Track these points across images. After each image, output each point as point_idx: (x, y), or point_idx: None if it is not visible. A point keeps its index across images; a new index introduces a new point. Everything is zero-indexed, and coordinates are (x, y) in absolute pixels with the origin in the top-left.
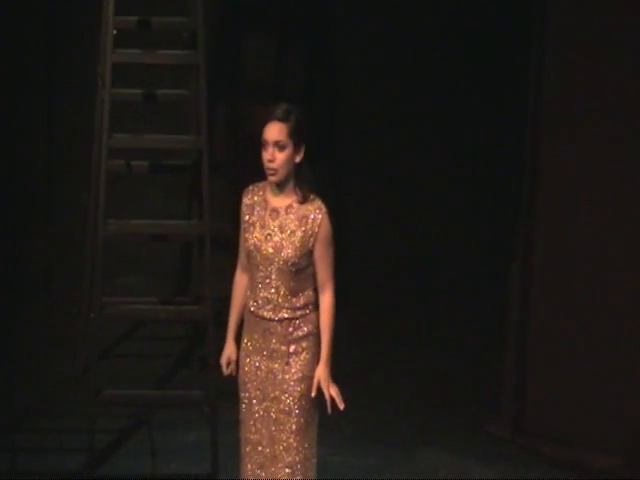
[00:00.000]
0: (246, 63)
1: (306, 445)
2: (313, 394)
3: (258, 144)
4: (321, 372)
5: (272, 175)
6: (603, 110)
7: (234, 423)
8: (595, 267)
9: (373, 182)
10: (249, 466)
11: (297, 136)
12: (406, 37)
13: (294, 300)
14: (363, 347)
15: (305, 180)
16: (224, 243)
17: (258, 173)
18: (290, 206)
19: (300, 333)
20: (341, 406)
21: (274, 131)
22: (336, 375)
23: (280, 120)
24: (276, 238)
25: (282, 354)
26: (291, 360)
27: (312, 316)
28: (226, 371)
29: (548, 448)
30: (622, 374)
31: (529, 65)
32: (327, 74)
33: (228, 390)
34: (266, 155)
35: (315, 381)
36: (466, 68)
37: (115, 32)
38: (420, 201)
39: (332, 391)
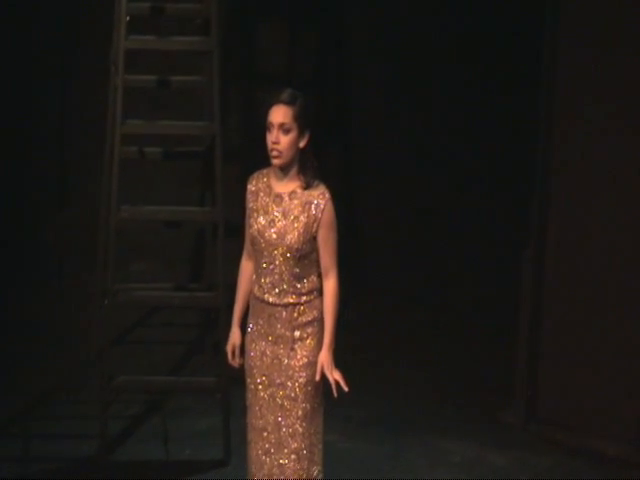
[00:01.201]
0: (259, 49)
1: (312, 431)
2: (317, 379)
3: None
4: (324, 357)
5: (276, 158)
6: (618, 101)
7: (246, 409)
8: (609, 256)
9: (386, 169)
10: (255, 452)
11: (302, 120)
12: (419, 24)
13: (299, 286)
14: (377, 335)
15: (309, 166)
16: (237, 230)
17: (269, 159)
18: (294, 192)
19: (305, 319)
20: (345, 389)
21: (279, 114)
22: (351, 362)
23: (286, 103)
24: (280, 224)
25: (287, 340)
26: (296, 346)
27: (317, 302)
28: (231, 358)
29: (561, 435)
30: (635, 362)
31: (543, 52)
32: (340, 60)
33: (240, 376)
34: (270, 137)
35: (318, 366)
36: (481, 53)
37: (128, 18)
38: (434, 190)
39: (336, 375)
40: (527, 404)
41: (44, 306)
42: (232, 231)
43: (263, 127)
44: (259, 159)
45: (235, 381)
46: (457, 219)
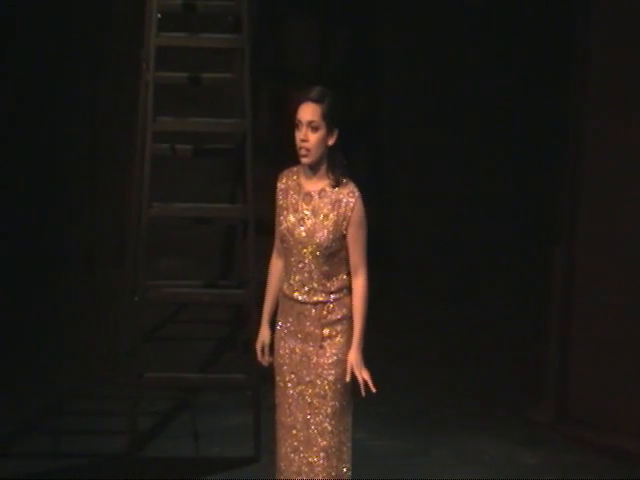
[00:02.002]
0: (289, 47)
1: (341, 429)
2: (347, 379)
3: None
4: (353, 356)
5: (304, 156)
6: None
7: (275, 407)
8: None
9: (415, 166)
10: (283, 450)
11: (330, 118)
12: (451, 22)
13: (328, 284)
14: (405, 332)
15: (338, 164)
16: (267, 227)
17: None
18: (323, 190)
19: (334, 317)
20: (373, 389)
21: (308, 111)
22: (379, 359)
23: (314, 101)
24: (309, 222)
25: (316, 337)
26: (325, 344)
27: (346, 300)
28: (260, 356)
29: (591, 434)
30: None
31: (574, 43)
32: (370, 58)
33: (270, 373)
34: (299, 135)
35: (348, 366)
36: (511, 52)
37: (159, 15)
38: (463, 184)
39: (364, 374)
40: (557, 403)
41: (75, 303)
42: (262, 228)
43: (293, 124)
44: (289, 156)
45: (265, 378)
46: (486, 214)
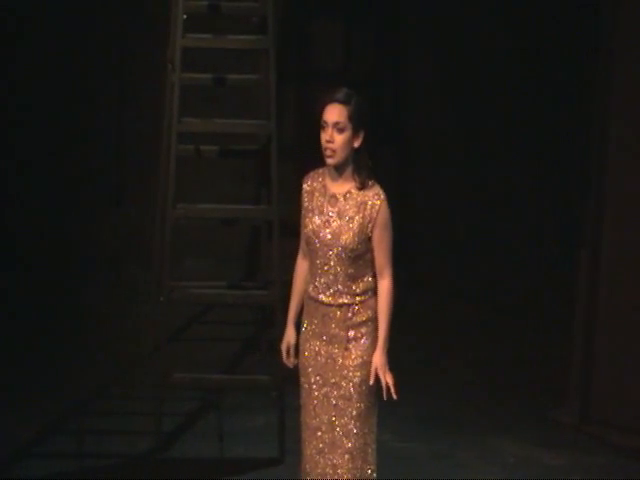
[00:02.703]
0: (315, 47)
1: (366, 431)
2: (371, 382)
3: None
4: (377, 359)
5: (329, 157)
6: None
7: (300, 408)
8: None
9: (439, 167)
10: (308, 451)
11: (357, 120)
12: (477, 24)
13: (353, 286)
14: (431, 334)
15: (363, 166)
16: (292, 227)
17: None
18: (349, 192)
19: (359, 319)
20: (395, 396)
21: (334, 112)
22: (404, 360)
23: (341, 102)
24: (334, 224)
25: (341, 339)
26: (350, 345)
27: (371, 302)
28: (285, 357)
29: (615, 436)
30: None
31: (597, 50)
32: (395, 59)
33: (295, 375)
34: (325, 136)
35: (372, 368)
36: (540, 54)
37: (185, 16)
38: (487, 186)
39: (388, 378)
40: (581, 404)
41: (100, 302)
42: (287, 229)
43: (319, 126)
44: (314, 157)
45: (289, 379)
46: (508, 218)
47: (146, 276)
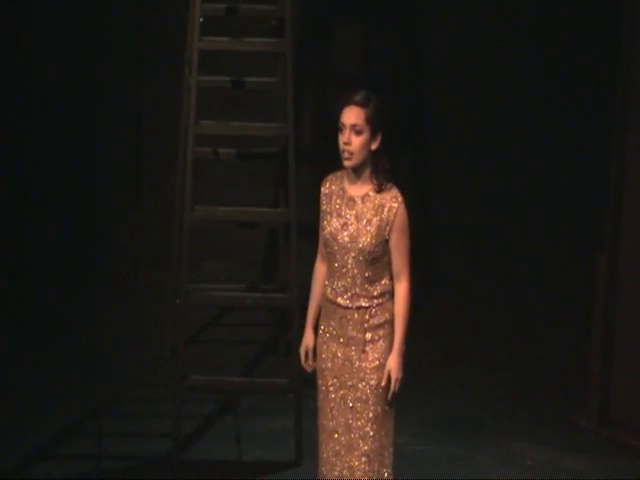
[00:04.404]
0: (333, 50)
1: (382, 433)
2: (383, 383)
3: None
4: (392, 362)
5: (347, 160)
6: None
7: (317, 410)
8: None
9: (457, 171)
10: (325, 454)
11: (375, 122)
12: (498, 27)
13: (371, 289)
14: (449, 336)
15: (382, 169)
16: (310, 230)
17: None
18: (367, 195)
19: (377, 321)
20: (388, 398)
21: (352, 115)
22: (422, 363)
23: (359, 104)
24: (352, 227)
25: (359, 341)
26: (367, 348)
27: (389, 305)
28: (304, 360)
29: (633, 440)
30: None
31: (617, 52)
32: (415, 62)
33: (312, 377)
34: (342, 138)
35: (386, 370)
36: (554, 56)
37: (202, 19)
38: (504, 191)
39: (396, 385)
40: (600, 408)
41: (118, 304)
42: (305, 232)
43: (336, 128)
44: (332, 160)
45: (307, 382)
46: (527, 219)
47: (164, 278)
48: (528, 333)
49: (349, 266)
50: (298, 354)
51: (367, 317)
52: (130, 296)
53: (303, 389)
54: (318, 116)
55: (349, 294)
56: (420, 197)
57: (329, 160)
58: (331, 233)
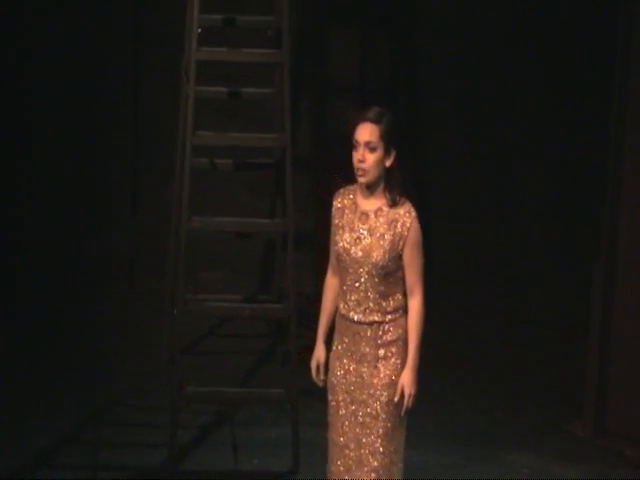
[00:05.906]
0: (330, 61)
1: (392, 449)
2: (396, 399)
3: (349, 145)
4: (406, 377)
5: (362, 176)
6: None
7: (316, 421)
8: None
9: (456, 180)
10: (335, 468)
11: (388, 139)
12: (496, 34)
13: (384, 304)
14: (445, 347)
15: (395, 184)
16: (307, 240)
17: (341, 171)
18: (380, 209)
19: (390, 337)
20: (402, 413)
21: (366, 132)
22: (421, 374)
23: (372, 121)
24: (365, 241)
25: (371, 358)
26: (380, 364)
27: (402, 320)
28: (315, 374)
29: (629, 449)
30: None
31: (613, 65)
32: (412, 71)
33: (309, 388)
34: (357, 155)
35: (399, 385)
36: (552, 63)
37: (200, 30)
38: (503, 200)
39: (410, 402)
40: (596, 417)
41: (114, 313)
42: (302, 242)
43: (334, 138)
44: (330, 170)
45: (304, 392)
46: (525, 229)
47: (161, 287)
48: (525, 342)
49: (362, 280)
50: (295, 364)
51: (380, 333)
52: (127, 305)
53: (300, 399)
54: (315, 126)
55: (362, 308)
56: (416, 206)
57: (325, 170)
58: (344, 247)
